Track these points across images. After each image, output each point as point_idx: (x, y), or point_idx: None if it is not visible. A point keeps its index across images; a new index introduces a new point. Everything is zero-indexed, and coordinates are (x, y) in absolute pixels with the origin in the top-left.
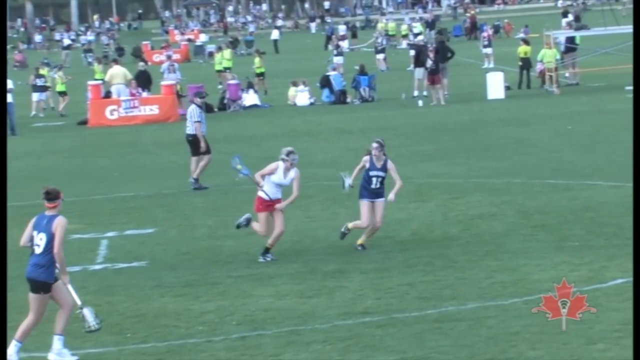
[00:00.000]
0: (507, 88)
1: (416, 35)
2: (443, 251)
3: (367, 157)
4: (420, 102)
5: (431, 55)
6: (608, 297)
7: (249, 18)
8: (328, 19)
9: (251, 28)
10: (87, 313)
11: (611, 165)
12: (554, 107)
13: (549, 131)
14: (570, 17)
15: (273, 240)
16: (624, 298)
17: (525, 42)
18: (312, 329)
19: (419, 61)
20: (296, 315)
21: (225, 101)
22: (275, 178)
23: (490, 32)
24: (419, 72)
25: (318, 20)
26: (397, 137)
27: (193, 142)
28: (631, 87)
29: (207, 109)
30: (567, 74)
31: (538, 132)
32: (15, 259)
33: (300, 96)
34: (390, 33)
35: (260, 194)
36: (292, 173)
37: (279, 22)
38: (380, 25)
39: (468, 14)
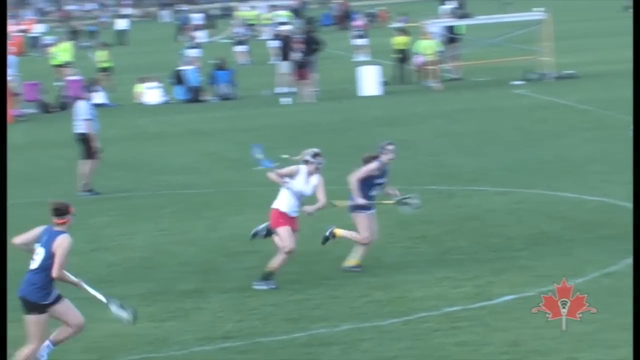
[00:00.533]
0: (384, 83)
1: (281, 24)
2: (313, 267)
3: (375, 164)
4: (286, 100)
5: (298, 47)
6: (495, 316)
7: (93, 5)
8: (183, 7)
9: (104, 18)
10: (115, 310)
11: (498, 168)
12: (435, 104)
13: (430, 131)
14: (453, 4)
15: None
16: (512, 316)
17: (403, 32)
18: (166, 356)
19: (285, 54)
20: (148, 341)
21: (65, 100)
22: (297, 185)
23: (364, 21)
24: (285, 66)
25: (171, 8)
26: (260, 139)
27: (83, 142)
28: (519, 82)
29: (44, 108)
30: (449, 68)
31: (418, 132)
32: None
33: (150, 94)
34: (251, 22)
35: (279, 207)
36: (315, 179)
37: (126, 10)
38: (239, 14)
39: (339, 1)
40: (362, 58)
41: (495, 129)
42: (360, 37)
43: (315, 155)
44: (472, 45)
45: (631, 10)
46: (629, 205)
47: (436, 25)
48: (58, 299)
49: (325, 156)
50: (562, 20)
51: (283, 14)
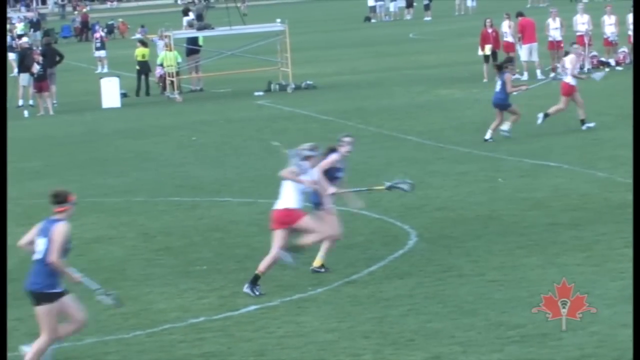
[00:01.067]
0: (124, 95)
1: (19, 36)
2: None
3: (336, 155)
4: (26, 113)
5: (38, 59)
6: (240, 326)
7: None
8: None
9: None
10: (103, 299)
11: (241, 179)
12: (176, 116)
13: (172, 143)
14: (192, 16)
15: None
16: (256, 327)
17: (143, 43)
18: None
19: (24, 66)
20: None
21: None
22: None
23: (104, 32)
24: (24, 79)
25: None
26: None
27: None
28: (260, 93)
29: None
30: (190, 79)
31: (160, 144)
32: None
33: None
34: None
35: (287, 205)
36: (315, 172)
37: None
38: None
39: (78, 13)
40: (103, 70)
41: (237, 140)
42: (101, 48)
43: (314, 148)
44: (213, 57)
45: (374, 21)
46: (369, 213)
47: (177, 37)
48: (64, 291)
49: (72, 168)
50: (302, 32)
51: (21, 26)
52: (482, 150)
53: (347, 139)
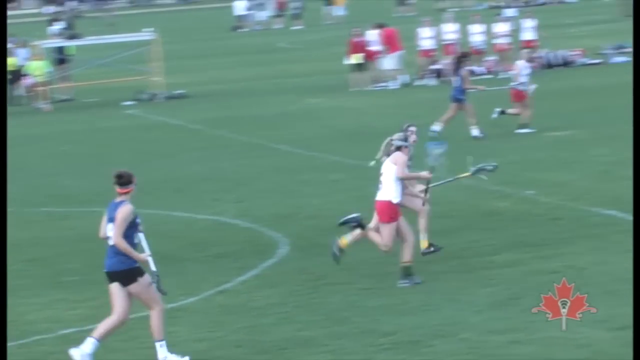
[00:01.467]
0: None
1: None
2: None
3: (407, 149)
4: None
5: None
6: (111, 337)
7: None
8: None
9: None
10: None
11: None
12: (46, 125)
13: (42, 153)
14: (59, 25)
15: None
16: (128, 337)
17: (10, 53)
18: None
19: None
20: None
21: None
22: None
23: None
24: None
25: None
26: None
27: None
28: (130, 103)
29: None
30: (59, 89)
31: (29, 154)
32: None
33: None
34: None
35: (389, 198)
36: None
37: None
38: None
39: None
40: None
41: (108, 150)
42: None
43: (405, 138)
44: (83, 66)
45: (245, 30)
46: (240, 222)
47: (46, 46)
48: (142, 271)
49: None
50: (172, 41)
51: None
52: (352, 158)
53: (412, 128)
